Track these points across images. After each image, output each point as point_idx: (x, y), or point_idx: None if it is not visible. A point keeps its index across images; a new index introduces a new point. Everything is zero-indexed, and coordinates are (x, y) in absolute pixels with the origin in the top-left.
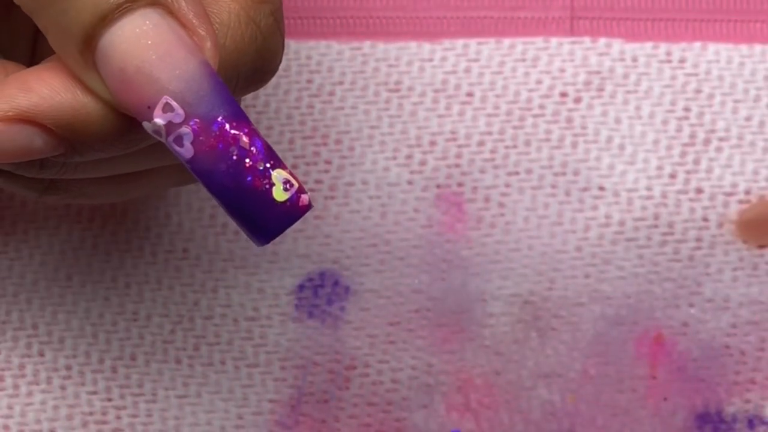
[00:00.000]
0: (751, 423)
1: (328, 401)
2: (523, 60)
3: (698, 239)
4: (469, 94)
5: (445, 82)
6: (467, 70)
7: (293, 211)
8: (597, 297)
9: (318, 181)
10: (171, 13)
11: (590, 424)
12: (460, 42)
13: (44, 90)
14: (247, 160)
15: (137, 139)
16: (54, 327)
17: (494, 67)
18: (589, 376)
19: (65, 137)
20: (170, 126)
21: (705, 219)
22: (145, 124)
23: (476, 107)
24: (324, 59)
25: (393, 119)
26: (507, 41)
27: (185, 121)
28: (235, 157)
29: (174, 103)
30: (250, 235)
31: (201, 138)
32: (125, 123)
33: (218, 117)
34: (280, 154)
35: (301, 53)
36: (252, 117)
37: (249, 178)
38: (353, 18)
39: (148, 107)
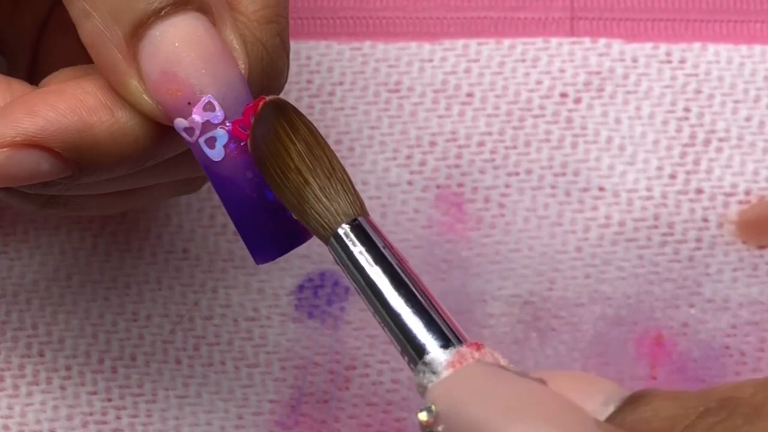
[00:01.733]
0: None
1: (328, 401)
2: (523, 60)
3: (698, 240)
4: (469, 95)
5: (445, 82)
6: (467, 71)
7: (304, 232)
8: (597, 297)
9: None
10: (216, 24)
11: None
12: (460, 42)
13: (50, 113)
14: None
15: (147, 158)
16: (54, 327)
17: (494, 68)
18: None
19: (72, 160)
20: (207, 125)
21: (705, 219)
22: (178, 122)
23: (476, 108)
24: (324, 59)
25: (393, 119)
26: (507, 42)
27: (222, 123)
28: None
29: (216, 103)
30: (255, 251)
31: (234, 143)
32: (132, 144)
33: None
34: None
35: (301, 53)
36: None
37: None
38: (353, 18)
39: (189, 103)
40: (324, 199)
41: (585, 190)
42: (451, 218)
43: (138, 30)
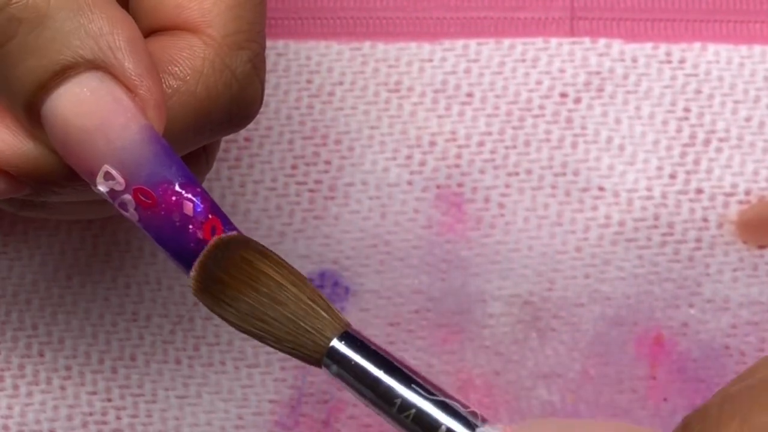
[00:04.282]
0: None
1: (328, 401)
2: (523, 60)
3: (698, 240)
4: (469, 95)
5: (445, 82)
6: (467, 71)
7: None
8: (597, 297)
9: (318, 182)
10: (112, 75)
11: None
12: (459, 42)
13: (8, 138)
14: (190, 226)
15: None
16: (54, 327)
17: (494, 68)
18: (589, 377)
19: (26, 182)
20: (113, 193)
21: (705, 219)
22: (93, 187)
23: (476, 108)
24: (324, 59)
25: (393, 119)
26: (507, 42)
27: (126, 189)
28: (177, 223)
29: (114, 172)
30: None
31: (143, 205)
32: (70, 172)
33: (160, 183)
34: (279, 155)
35: (300, 53)
36: None
37: (192, 245)
38: (353, 18)
39: (91, 173)
40: (320, 312)
41: (585, 190)
42: (451, 218)
43: (32, 107)
